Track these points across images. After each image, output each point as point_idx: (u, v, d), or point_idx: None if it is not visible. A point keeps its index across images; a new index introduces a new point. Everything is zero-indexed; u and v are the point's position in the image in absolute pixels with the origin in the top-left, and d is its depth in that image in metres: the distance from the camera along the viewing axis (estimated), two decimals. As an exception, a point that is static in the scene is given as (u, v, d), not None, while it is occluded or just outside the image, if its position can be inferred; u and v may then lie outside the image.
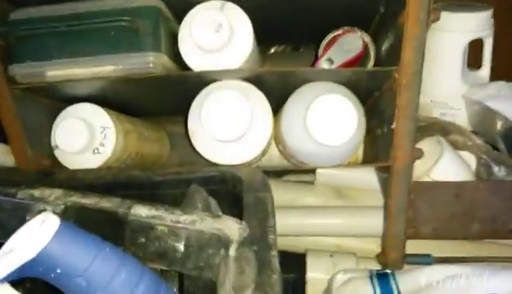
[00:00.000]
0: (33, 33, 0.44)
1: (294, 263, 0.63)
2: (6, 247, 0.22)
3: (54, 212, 0.26)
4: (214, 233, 0.28)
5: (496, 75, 0.64)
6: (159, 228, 0.27)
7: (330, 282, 0.55)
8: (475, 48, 0.63)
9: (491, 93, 0.57)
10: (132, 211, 0.29)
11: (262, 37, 0.49)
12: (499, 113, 0.55)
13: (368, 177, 0.60)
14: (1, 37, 0.44)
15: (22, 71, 0.45)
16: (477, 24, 0.59)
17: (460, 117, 0.61)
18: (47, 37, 0.44)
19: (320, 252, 0.63)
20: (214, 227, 0.29)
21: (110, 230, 0.28)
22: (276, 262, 0.31)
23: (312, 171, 0.64)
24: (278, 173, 0.69)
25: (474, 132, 0.59)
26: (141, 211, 0.29)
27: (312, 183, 0.67)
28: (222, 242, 0.28)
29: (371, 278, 0.51)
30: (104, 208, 0.29)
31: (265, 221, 0.37)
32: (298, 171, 0.70)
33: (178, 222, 0.27)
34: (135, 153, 0.56)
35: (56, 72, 0.45)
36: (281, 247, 0.64)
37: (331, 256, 0.62)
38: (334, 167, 0.60)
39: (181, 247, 0.26)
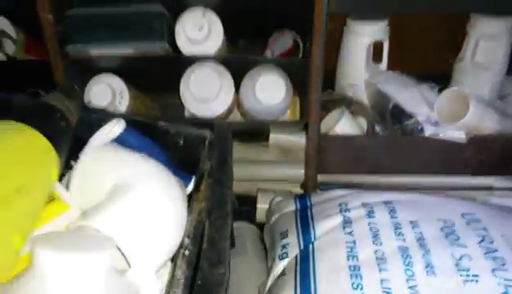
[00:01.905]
0: (81, 25, 0.69)
1: (247, 201, 0.89)
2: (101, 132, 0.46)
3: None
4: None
5: (392, 68, 0.92)
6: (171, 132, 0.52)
7: (270, 203, 0.82)
8: (380, 48, 0.91)
9: (382, 79, 0.85)
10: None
11: (228, 34, 0.75)
12: (386, 93, 0.83)
13: (302, 140, 0.86)
14: (60, 26, 0.68)
15: (73, 49, 0.70)
16: (377, 31, 0.86)
17: (365, 95, 0.89)
18: (89, 28, 0.69)
19: (267, 190, 0.89)
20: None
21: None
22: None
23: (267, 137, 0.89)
24: (243, 139, 0.94)
25: (372, 106, 0.87)
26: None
27: (267, 146, 0.93)
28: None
29: (295, 197, 0.78)
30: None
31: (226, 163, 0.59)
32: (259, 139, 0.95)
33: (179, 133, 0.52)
34: (141, 113, 0.81)
35: (95, 51, 0.70)
36: (239, 191, 0.90)
37: (274, 192, 0.89)
38: (281, 132, 0.85)
39: (181, 141, 0.52)
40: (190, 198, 0.45)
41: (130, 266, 0.31)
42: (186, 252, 0.38)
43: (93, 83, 0.74)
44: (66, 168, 0.40)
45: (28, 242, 0.29)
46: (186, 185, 0.47)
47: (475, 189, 0.83)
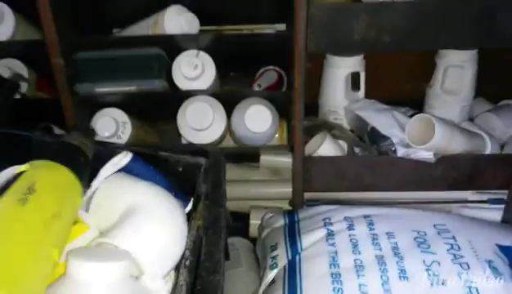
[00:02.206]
0: (88, 66, 0.78)
1: (241, 217, 0.97)
2: (111, 163, 0.54)
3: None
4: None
5: (370, 95, 1.01)
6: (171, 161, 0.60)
7: (261, 219, 0.89)
8: (358, 78, 1.00)
9: (360, 105, 0.94)
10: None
11: (220, 70, 0.84)
12: (364, 118, 0.92)
13: (290, 160, 0.94)
14: (69, 68, 0.77)
15: (80, 88, 0.78)
16: (354, 63, 0.96)
17: (345, 120, 0.98)
18: (95, 69, 0.78)
19: (258, 207, 0.97)
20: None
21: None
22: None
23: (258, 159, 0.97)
24: (236, 160, 1.03)
25: (351, 130, 0.96)
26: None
27: (257, 167, 1.01)
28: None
29: (284, 214, 0.85)
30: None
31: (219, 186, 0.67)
32: (250, 160, 1.03)
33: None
34: (142, 140, 0.90)
35: (100, 89, 0.78)
36: (233, 208, 0.98)
37: (266, 208, 0.96)
38: (271, 154, 0.93)
39: (180, 168, 0.60)
40: (189, 216, 0.53)
41: (143, 273, 0.39)
42: (187, 262, 0.46)
43: (99, 116, 0.82)
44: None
45: (62, 255, 0.36)
46: (185, 206, 0.55)
47: (451, 202, 0.91)
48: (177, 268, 0.46)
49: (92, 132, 0.52)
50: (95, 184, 0.48)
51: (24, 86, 0.82)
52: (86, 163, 0.46)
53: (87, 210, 0.46)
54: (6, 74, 0.79)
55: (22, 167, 0.38)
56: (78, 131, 0.49)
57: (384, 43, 0.73)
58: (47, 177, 0.37)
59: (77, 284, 0.34)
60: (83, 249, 0.39)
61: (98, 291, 0.34)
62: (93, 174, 0.51)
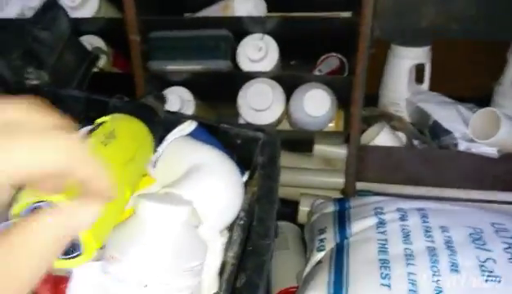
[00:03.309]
0: (161, 44, 0.83)
1: (290, 204, 0.98)
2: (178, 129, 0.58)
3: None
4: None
5: (434, 89, 0.98)
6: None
7: (311, 206, 0.90)
8: (423, 70, 0.98)
9: (422, 98, 0.92)
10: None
11: (283, 54, 0.87)
12: (426, 111, 0.90)
13: (343, 151, 0.95)
14: (144, 46, 0.83)
15: (153, 65, 0.84)
16: (419, 54, 0.94)
17: (405, 113, 0.96)
18: (167, 48, 0.83)
19: (309, 194, 0.98)
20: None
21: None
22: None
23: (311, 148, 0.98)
24: (289, 148, 1.04)
25: (412, 123, 0.94)
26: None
27: (310, 155, 1.02)
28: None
29: (334, 201, 0.86)
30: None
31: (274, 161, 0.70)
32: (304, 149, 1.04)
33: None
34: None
35: (171, 67, 0.84)
36: (283, 195, 0.99)
37: (316, 196, 0.97)
38: (325, 144, 0.94)
39: (239, 140, 0.63)
40: (245, 185, 0.56)
41: (201, 223, 0.42)
42: (241, 222, 0.48)
43: (166, 93, 0.88)
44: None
45: (132, 198, 0.40)
46: (243, 175, 0.58)
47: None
48: (231, 227, 0.49)
49: (164, 98, 0.56)
50: (162, 146, 0.52)
51: (102, 60, 0.89)
52: (158, 122, 0.50)
53: (154, 166, 0.50)
54: (89, 49, 0.87)
55: (103, 118, 0.43)
56: (152, 96, 0.53)
57: (451, 31, 0.71)
58: (125, 126, 0.42)
59: (143, 223, 0.38)
60: (151, 194, 0.44)
61: (163, 231, 0.38)
62: (161, 139, 0.55)
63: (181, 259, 0.39)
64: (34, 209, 0.33)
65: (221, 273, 0.44)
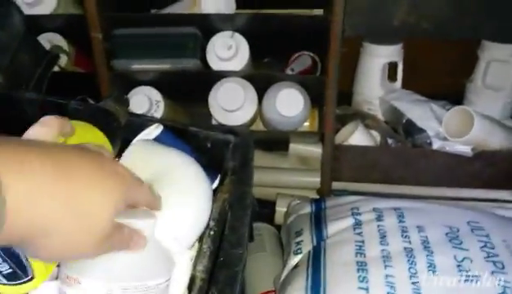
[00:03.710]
0: (126, 42, 0.79)
1: (267, 204, 0.96)
2: (143, 133, 0.55)
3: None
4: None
5: (407, 86, 0.98)
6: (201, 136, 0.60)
7: (288, 206, 0.88)
8: (395, 68, 0.98)
9: (395, 96, 0.91)
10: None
11: (254, 54, 0.84)
12: (399, 109, 0.89)
13: (319, 150, 0.93)
14: (107, 44, 0.79)
15: (117, 64, 0.79)
16: (392, 52, 0.93)
17: (379, 111, 0.95)
18: (132, 46, 0.79)
19: (285, 195, 0.96)
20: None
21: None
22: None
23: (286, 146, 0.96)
24: (264, 148, 1.02)
25: (386, 122, 0.93)
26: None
27: (286, 155, 1.00)
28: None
29: (311, 201, 0.84)
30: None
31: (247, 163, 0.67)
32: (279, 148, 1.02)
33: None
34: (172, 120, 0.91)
35: (137, 66, 0.80)
36: (259, 195, 0.97)
37: (292, 196, 0.95)
38: (300, 142, 0.92)
39: (209, 144, 0.60)
40: (215, 192, 0.53)
41: (167, 237, 0.39)
42: (211, 232, 0.45)
43: (133, 94, 0.83)
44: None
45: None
46: (213, 181, 0.55)
47: (486, 201, 0.87)
48: (200, 239, 0.46)
49: (126, 101, 0.53)
50: (126, 152, 0.49)
51: (63, 59, 0.84)
52: (118, 128, 0.46)
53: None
54: (47, 47, 0.81)
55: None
56: (112, 98, 0.50)
57: (423, 30, 0.70)
58: (78, 135, 0.38)
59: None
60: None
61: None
62: (126, 144, 0.51)
63: (146, 276, 0.35)
64: None
65: (190, 288, 0.41)
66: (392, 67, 0.95)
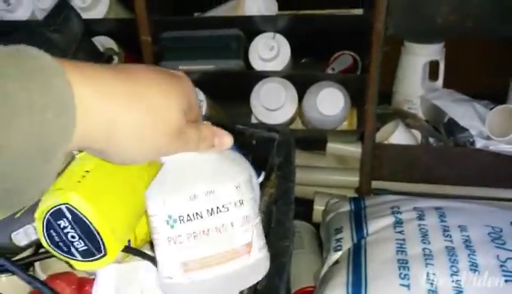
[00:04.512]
0: (173, 45, 0.83)
1: (305, 203, 0.97)
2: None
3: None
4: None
5: (448, 86, 0.97)
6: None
7: (326, 204, 0.90)
8: (436, 67, 0.97)
9: (437, 95, 0.90)
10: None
11: (295, 53, 0.86)
12: (441, 108, 0.89)
13: (357, 150, 0.94)
14: (156, 46, 0.83)
15: (165, 65, 0.83)
16: (433, 51, 0.92)
17: (420, 110, 0.95)
18: (179, 48, 0.83)
19: (323, 193, 0.97)
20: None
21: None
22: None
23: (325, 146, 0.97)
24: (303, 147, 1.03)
25: (427, 121, 0.93)
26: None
27: (324, 154, 1.02)
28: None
29: (350, 199, 0.85)
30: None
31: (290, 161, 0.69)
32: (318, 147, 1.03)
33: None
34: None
35: (183, 67, 0.83)
36: (297, 194, 0.98)
37: (330, 195, 0.96)
38: (338, 142, 0.94)
39: (254, 141, 0.62)
40: (261, 187, 0.55)
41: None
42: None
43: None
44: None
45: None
46: (258, 176, 0.57)
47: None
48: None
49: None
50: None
51: (115, 61, 0.89)
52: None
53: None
54: (101, 50, 0.86)
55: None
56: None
57: (465, 29, 0.70)
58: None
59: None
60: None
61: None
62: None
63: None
64: (56, 212, 0.33)
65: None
66: (433, 66, 0.94)
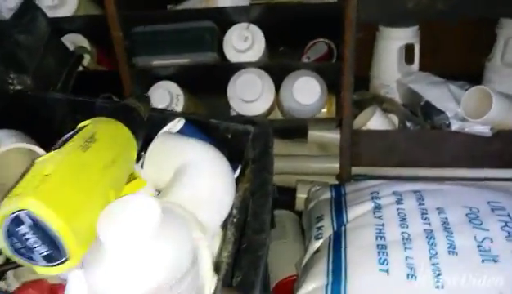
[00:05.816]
0: (145, 39, 0.81)
1: (287, 192, 0.97)
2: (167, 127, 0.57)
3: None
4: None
5: (424, 68, 0.97)
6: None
7: (308, 192, 0.90)
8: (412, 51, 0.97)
9: (413, 79, 0.91)
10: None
11: (270, 44, 0.85)
12: (417, 92, 0.89)
13: (338, 136, 0.94)
14: (128, 41, 0.81)
15: (138, 60, 0.82)
16: (408, 34, 0.92)
17: (397, 94, 0.95)
18: (151, 42, 0.81)
19: (305, 181, 0.98)
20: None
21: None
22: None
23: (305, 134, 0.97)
24: (283, 136, 1.03)
25: (404, 105, 0.93)
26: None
27: (304, 142, 1.02)
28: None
29: (331, 187, 0.86)
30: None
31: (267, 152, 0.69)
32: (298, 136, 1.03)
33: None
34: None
35: (156, 62, 0.82)
36: (280, 183, 0.99)
37: (312, 183, 0.97)
38: (318, 129, 0.94)
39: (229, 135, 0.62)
40: (237, 181, 0.55)
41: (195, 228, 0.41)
42: (234, 220, 0.48)
43: (154, 88, 0.86)
44: (140, 155, 0.51)
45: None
46: (234, 171, 0.57)
47: (507, 180, 0.86)
48: (225, 226, 0.48)
49: (147, 98, 0.55)
50: (151, 145, 0.51)
51: (86, 59, 0.87)
52: (140, 123, 0.49)
53: (142, 166, 0.49)
54: (71, 48, 0.85)
55: (84, 122, 0.42)
56: (134, 97, 0.52)
57: (438, 11, 0.70)
58: (105, 129, 0.41)
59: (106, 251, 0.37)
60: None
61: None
62: (149, 140, 0.54)
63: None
64: (15, 218, 0.33)
65: (217, 273, 0.44)
66: (408, 49, 0.94)
